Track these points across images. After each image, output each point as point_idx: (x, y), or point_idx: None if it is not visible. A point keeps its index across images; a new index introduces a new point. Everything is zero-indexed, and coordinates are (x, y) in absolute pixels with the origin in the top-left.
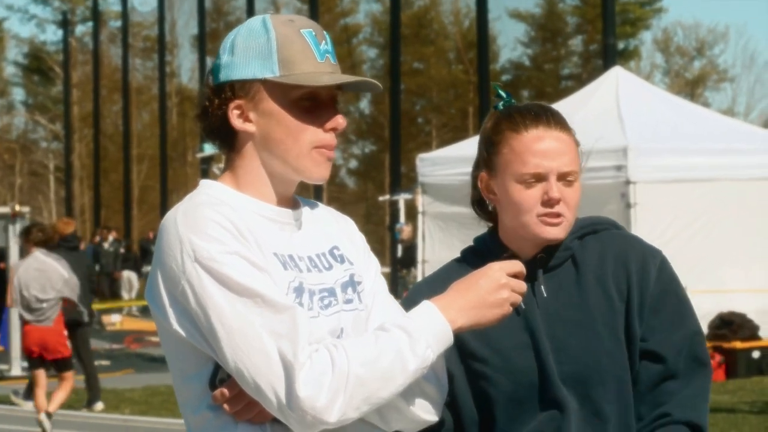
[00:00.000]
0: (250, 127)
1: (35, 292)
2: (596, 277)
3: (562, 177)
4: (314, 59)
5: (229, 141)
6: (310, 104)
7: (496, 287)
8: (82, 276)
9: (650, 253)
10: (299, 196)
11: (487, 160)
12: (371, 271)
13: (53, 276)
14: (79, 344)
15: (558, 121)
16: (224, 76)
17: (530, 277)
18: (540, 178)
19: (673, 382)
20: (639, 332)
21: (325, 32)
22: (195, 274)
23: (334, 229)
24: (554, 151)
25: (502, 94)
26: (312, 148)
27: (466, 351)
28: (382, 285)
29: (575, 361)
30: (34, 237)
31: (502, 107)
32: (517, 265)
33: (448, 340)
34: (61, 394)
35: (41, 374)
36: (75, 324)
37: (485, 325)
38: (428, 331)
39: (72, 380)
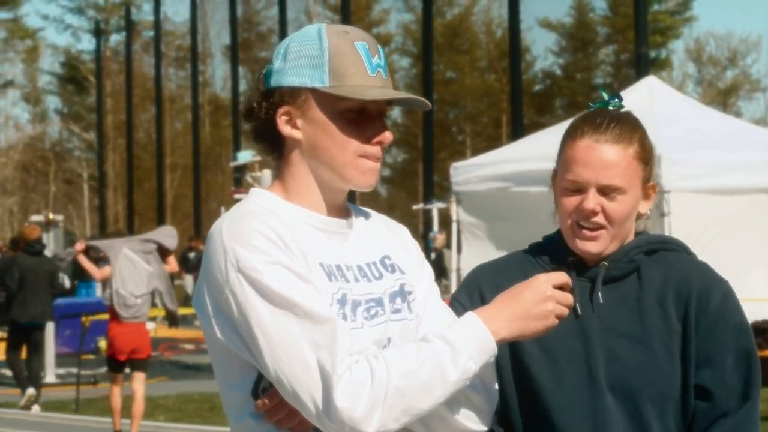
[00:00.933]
0: (297, 134)
1: None
2: (658, 296)
3: (604, 190)
4: (365, 72)
5: (277, 147)
6: (358, 117)
7: (542, 299)
8: (43, 280)
9: (716, 281)
10: (353, 204)
11: (557, 160)
12: (425, 280)
13: None
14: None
15: (619, 133)
16: (275, 81)
17: (591, 284)
18: (579, 187)
19: (721, 421)
20: (694, 355)
21: (379, 46)
22: (238, 284)
23: (386, 237)
24: (597, 163)
25: (604, 95)
26: (357, 157)
27: (518, 346)
28: (435, 294)
29: (626, 374)
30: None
31: (592, 107)
32: (563, 277)
33: (491, 351)
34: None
35: None
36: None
37: (529, 337)
38: (471, 343)
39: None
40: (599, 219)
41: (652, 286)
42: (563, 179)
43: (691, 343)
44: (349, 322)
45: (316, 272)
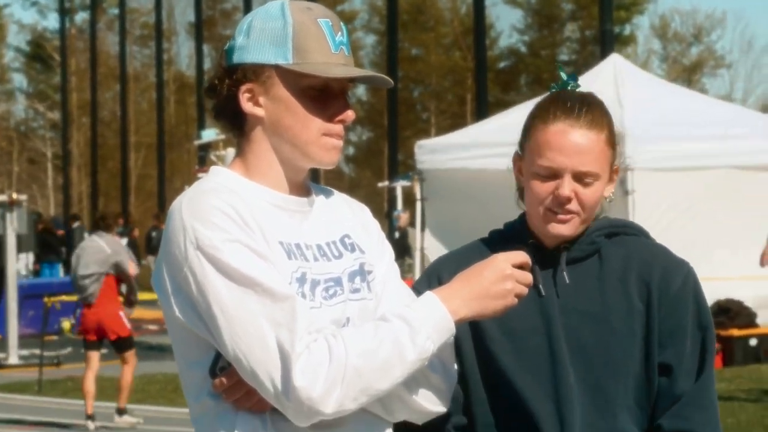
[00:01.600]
0: (259, 111)
1: None
2: (619, 277)
3: (579, 176)
4: (328, 50)
5: (239, 124)
6: (321, 94)
7: (501, 278)
8: None
9: (676, 262)
10: (314, 183)
11: (521, 143)
12: (384, 259)
13: None
14: None
15: (591, 118)
16: (237, 58)
17: (553, 266)
18: (554, 173)
19: (678, 393)
20: (657, 333)
21: (342, 23)
22: (197, 262)
23: (347, 216)
24: (572, 149)
25: (563, 75)
26: (320, 135)
27: (479, 329)
28: (395, 273)
29: (587, 351)
30: None
31: (554, 89)
32: (523, 256)
33: (449, 330)
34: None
35: None
36: None
37: (489, 316)
38: (429, 322)
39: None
40: (572, 206)
41: (613, 267)
42: (534, 164)
43: (654, 323)
44: (308, 301)
45: (275, 250)
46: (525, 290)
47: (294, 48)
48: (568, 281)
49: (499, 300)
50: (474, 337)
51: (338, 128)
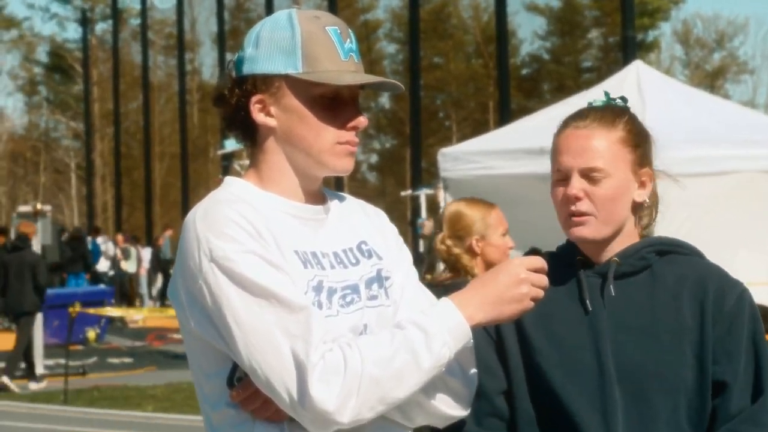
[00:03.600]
0: (271, 122)
1: None
2: (672, 294)
3: (586, 174)
4: (338, 57)
5: (251, 134)
6: (332, 102)
7: (516, 282)
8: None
9: (731, 283)
10: (328, 189)
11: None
12: (403, 265)
13: None
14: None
15: (600, 117)
16: (247, 69)
17: (602, 280)
18: (564, 176)
19: (734, 411)
20: (710, 351)
21: (350, 30)
22: (211, 273)
23: (363, 222)
24: (578, 149)
25: (604, 96)
26: (334, 144)
27: (527, 342)
28: (413, 279)
29: (635, 366)
30: None
31: (589, 105)
32: (538, 261)
33: (466, 336)
34: None
35: None
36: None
37: (504, 320)
38: (445, 329)
39: None
40: (585, 205)
41: (666, 284)
42: (552, 173)
43: (708, 340)
44: (325, 310)
45: (290, 260)
46: (541, 293)
47: (303, 57)
48: (614, 294)
49: (515, 304)
50: (522, 352)
51: (351, 135)
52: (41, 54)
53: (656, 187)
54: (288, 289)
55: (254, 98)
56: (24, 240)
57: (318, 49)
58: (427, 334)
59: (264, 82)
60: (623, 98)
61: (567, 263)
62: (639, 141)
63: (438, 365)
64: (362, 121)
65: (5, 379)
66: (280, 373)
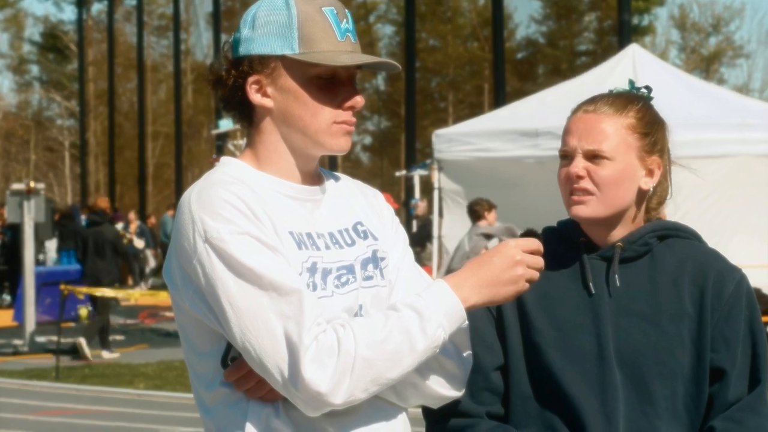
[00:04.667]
0: (267, 102)
1: None
2: (672, 279)
3: (589, 155)
4: (334, 38)
5: (248, 115)
6: (329, 82)
7: (511, 264)
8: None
9: (730, 269)
10: (325, 170)
11: None
12: (399, 245)
13: None
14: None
15: (611, 102)
16: (243, 49)
17: (606, 265)
18: (569, 155)
19: (731, 398)
20: (709, 338)
21: (346, 11)
22: (206, 254)
23: (359, 203)
24: (583, 130)
25: (629, 84)
26: (331, 123)
27: (528, 322)
28: (409, 259)
29: (635, 351)
30: None
31: (609, 92)
32: (534, 243)
33: (461, 318)
34: None
35: None
36: None
37: (500, 302)
38: (440, 311)
39: None
40: (587, 184)
41: (666, 269)
42: (560, 155)
43: (707, 327)
44: (320, 291)
45: (285, 241)
46: (536, 275)
47: (300, 38)
48: (619, 284)
49: (510, 286)
50: (522, 330)
51: (348, 115)
52: (34, 34)
53: (669, 177)
54: (282, 271)
55: (251, 79)
56: (102, 215)
57: (314, 30)
58: (421, 317)
59: (260, 63)
60: (648, 87)
61: (569, 242)
62: (649, 129)
63: (432, 347)
64: (359, 100)
65: (82, 341)
66: (273, 355)
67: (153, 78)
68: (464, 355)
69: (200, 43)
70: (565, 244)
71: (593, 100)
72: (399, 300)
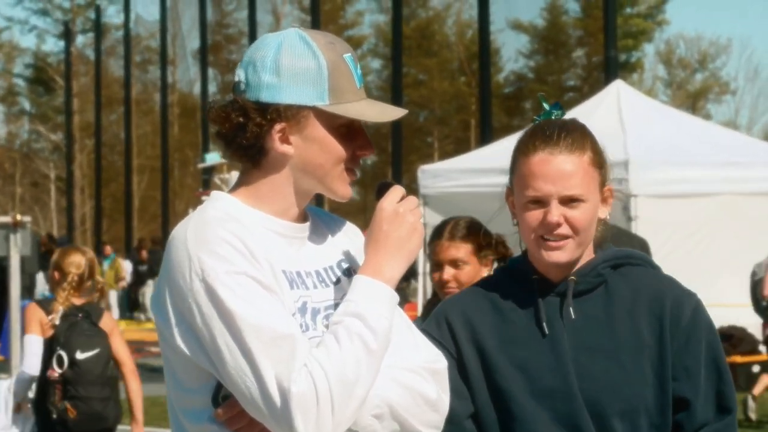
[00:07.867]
0: (289, 150)
1: None
2: (627, 310)
3: (565, 201)
4: (355, 86)
5: (257, 158)
6: (348, 130)
7: (398, 221)
8: None
9: (685, 294)
10: (309, 206)
11: (510, 178)
12: None
13: None
14: None
15: (571, 141)
16: (268, 96)
17: (560, 300)
18: (541, 202)
19: (697, 425)
20: (670, 367)
21: (356, 54)
22: (202, 293)
23: (342, 240)
24: (555, 175)
25: (545, 106)
26: (343, 170)
27: (491, 368)
28: None
29: (596, 389)
30: None
31: (537, 120)
32: (397, 191)
33: (392, 298)
34: None
35: None
36: None
37: (415, 254)
38: (373, 303)
39: None
40: (564, 230)
41: (621, 299)
42: (523, 196)
43: (668, 357)
44: (310, 332)
45: (280, 280)
46: (420, 213)
47: (330, 89)
48: (574, 317)
49: (414, 237)
50: (486, 376)
51: (357, 162)
52: (19, 66)
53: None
54: (278, 315)
55: (278, 126)
56: None
57: (341, 80)
58: (361, 317)
59: (289, 112)
60: (558, 105)
61: (522, 281)
62: (603, 160)
63: (384, 339)
64: (372, 150)
65: None
66: (266, 399)
67: (139, 111)
68: (441, 396)
69: (186, 77)
70: (519, 284)
71: (549, 138)
72: (336, 313)
